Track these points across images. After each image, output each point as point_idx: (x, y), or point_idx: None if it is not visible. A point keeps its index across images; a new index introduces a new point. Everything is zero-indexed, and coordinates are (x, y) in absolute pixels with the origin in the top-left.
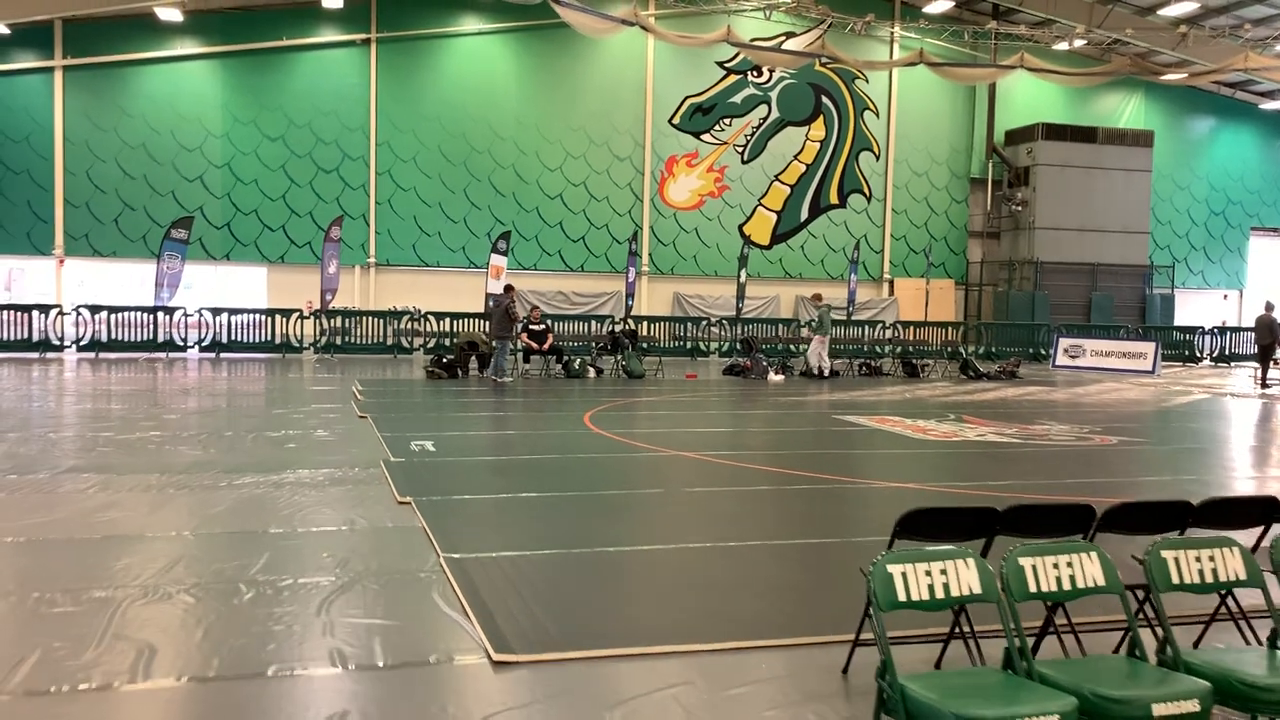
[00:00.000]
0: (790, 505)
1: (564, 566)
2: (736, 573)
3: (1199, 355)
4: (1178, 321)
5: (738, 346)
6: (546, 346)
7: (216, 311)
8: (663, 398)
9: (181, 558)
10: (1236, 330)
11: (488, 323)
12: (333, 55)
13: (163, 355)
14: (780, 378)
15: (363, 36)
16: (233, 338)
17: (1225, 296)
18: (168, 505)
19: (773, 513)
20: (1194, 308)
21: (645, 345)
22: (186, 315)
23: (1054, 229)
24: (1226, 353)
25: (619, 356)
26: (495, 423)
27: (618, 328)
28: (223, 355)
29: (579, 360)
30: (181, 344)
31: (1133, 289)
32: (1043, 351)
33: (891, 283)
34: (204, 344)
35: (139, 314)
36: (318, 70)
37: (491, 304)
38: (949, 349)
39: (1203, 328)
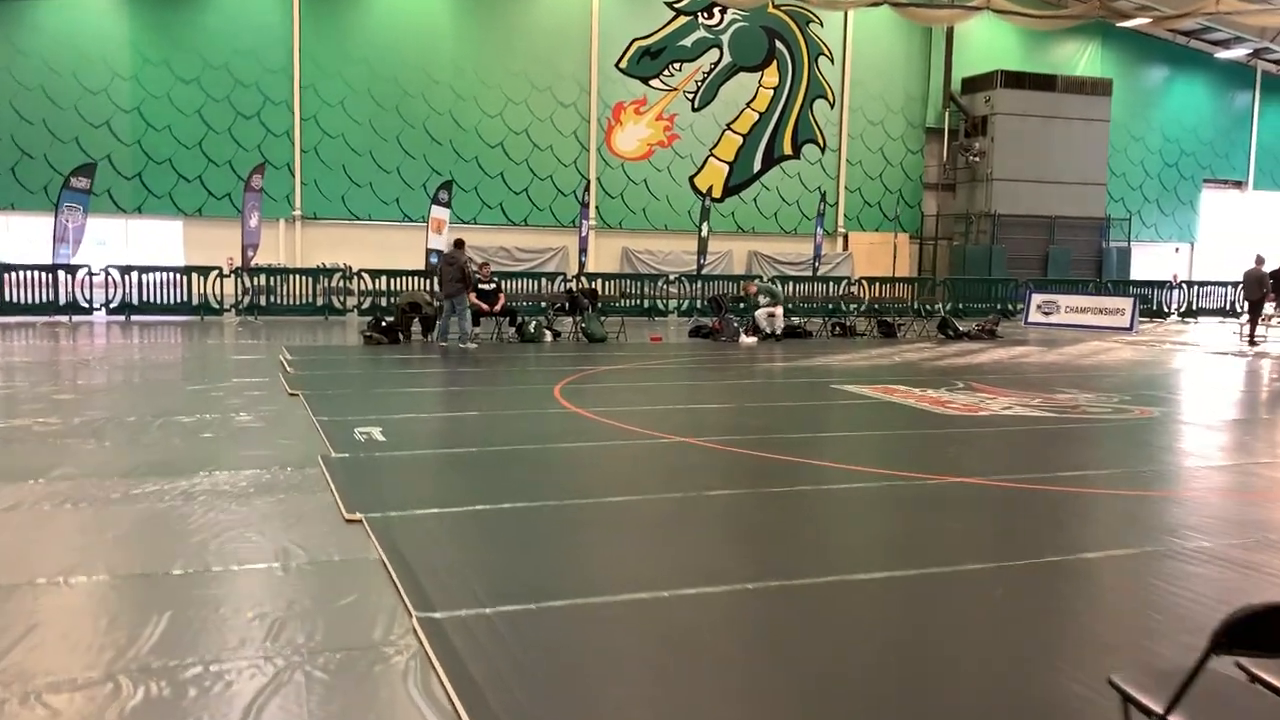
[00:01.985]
0: (856, 516)
1: (593, 629)
2: (842, 630)
3: (1166, 310)
4: (1131, 275)
5: (699, 306)
6: (498, 307)
7: (125, 270)
8: (634, 365)
9: (39, 624)
10: (1203, 284)
11: (436, 281)
12: None
13: (65, 319)
14: (753, 340)
15: None
16: (144, 298)
17: (1177, 249)
18: (39, 531)
19: (838, 527)
20: (1146, 261)
21: (604, 306)
22: (91, 274)
23: (1011, 180)
24: (1193, 307)
25: (578, 318)
26: (451, 400)
27: (571, 285)
28: (133, 318)
29: (534, 323)
30: (86, 306)
31: (1089, 242)
32: (1010, 307)
33: (846, 236)
34: (112, 306)
35: (36, 273)
36: (235, 5)
37: (444, 261)
38: (926, 307)
39: (1169, 282)
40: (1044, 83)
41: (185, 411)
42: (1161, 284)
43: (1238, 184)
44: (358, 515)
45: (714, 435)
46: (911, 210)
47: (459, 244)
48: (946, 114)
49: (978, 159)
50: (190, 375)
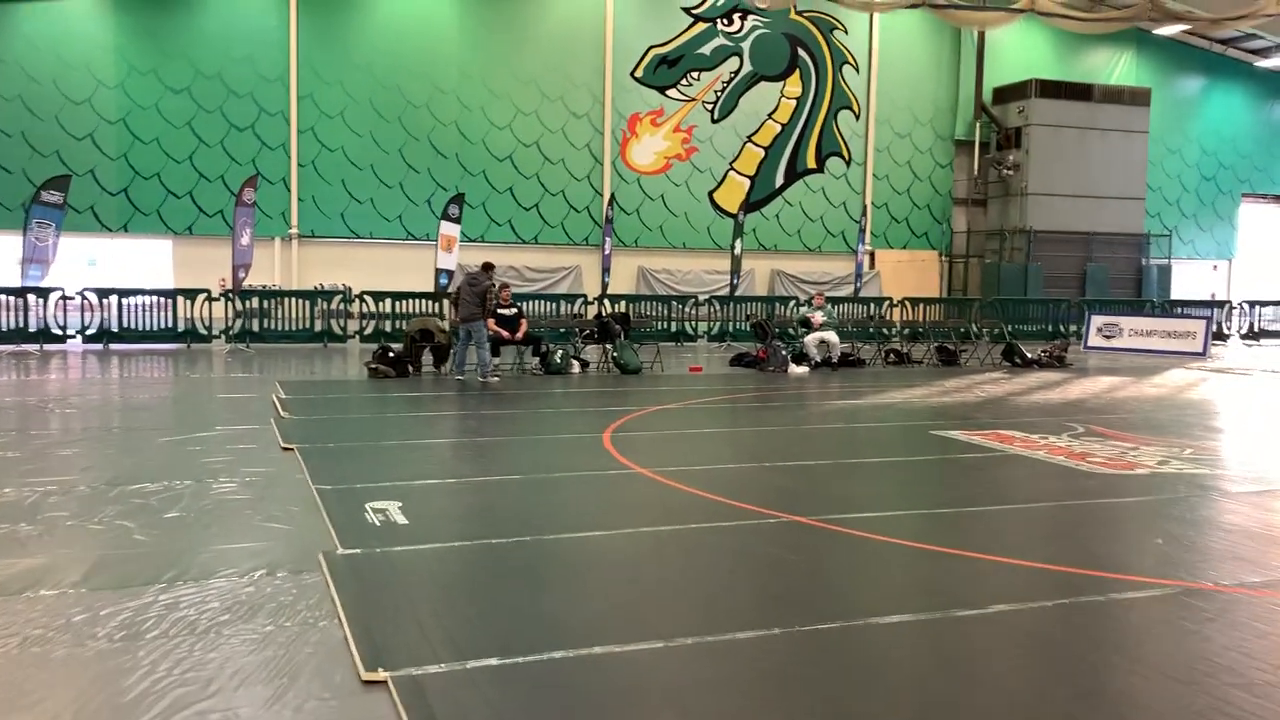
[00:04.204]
0: (1137, 658)
1: None
2: None
3: (1226, 332)
4: (1171, 294)
5: (732, 330)
6: (521, 335)
7: (104, 293)
8: (683, 403)
9: None
10: (1263, 304)
11: (452, 305)
12: None
13: (34, 347)
14: (803, 369)
15: None
16: (125, 324)
17: (1215, 267)
18: None
19: (1130, 686)
20: (1184, 279)
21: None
22: (66, 297)
23: (1047, 195)
24: (1254, 329)
25: (609, 346)
26: (482, 456)
27: (592, 309)
28: (112, 346)
29: (560, 352)
30: (60, 332)
31: (1128, 260)
32: (1062, 329)
33: (872, 254)
34: (88, 332)
35: (4, 297)
36: (228, 11)
37: (465, 282)
38: (991, 331)
39: (1230, 302)
40: (1080, 92)
41: (152, 475)
42: (1221, 304)
43: (1278, 198)
44: (381, 674)
45: (826, 510)
46: (941, 226)
47: (487, 267)
48: (977, 125)
49: (1011, 172)
50: (166, 421)
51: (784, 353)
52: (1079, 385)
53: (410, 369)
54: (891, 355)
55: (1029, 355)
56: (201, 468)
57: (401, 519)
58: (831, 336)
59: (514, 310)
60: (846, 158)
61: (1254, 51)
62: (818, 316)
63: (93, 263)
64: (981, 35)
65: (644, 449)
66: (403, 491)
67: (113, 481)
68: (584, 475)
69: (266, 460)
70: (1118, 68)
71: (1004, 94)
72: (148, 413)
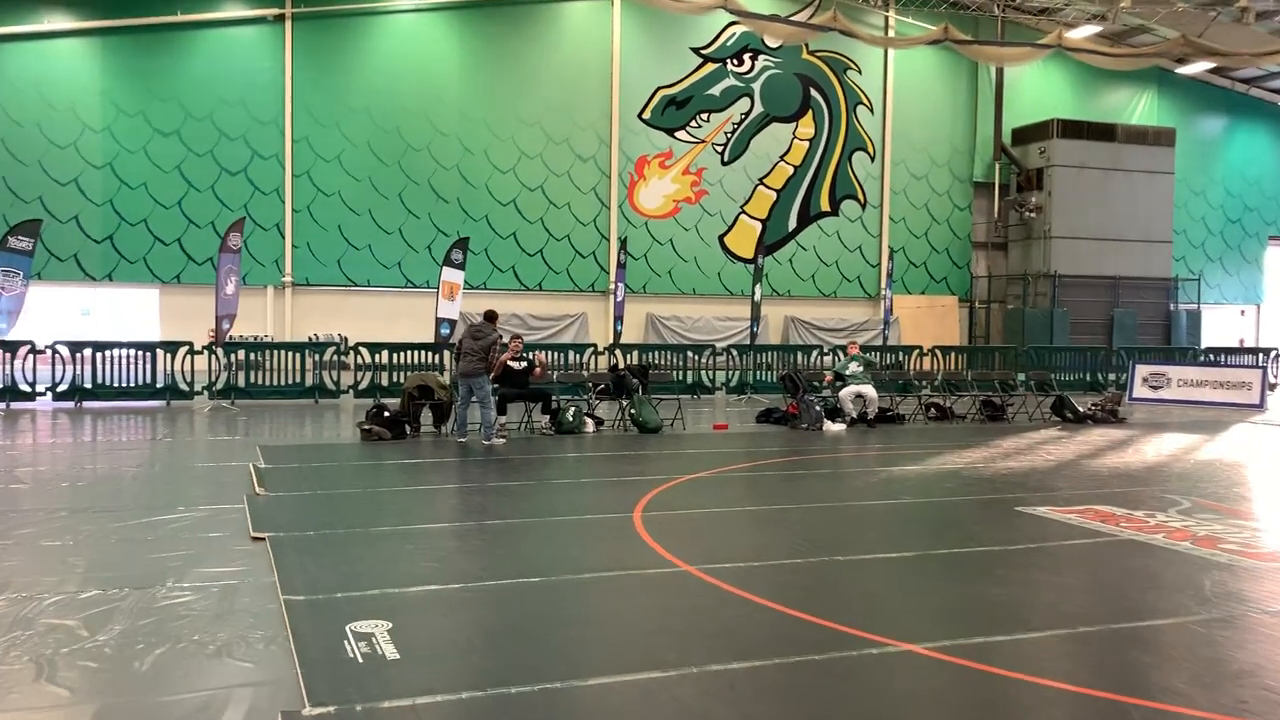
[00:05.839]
0: None
1: None
2: None
3: (1272, 380)
4: (1201, 341)
5: (752, 382)
6: (538, 373)
7: (76, 346)
8: (717, 470)
9: None
10: None
11: (455, 358)
12: (239, 34)
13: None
14: (840, 427)
15: (275, 12)
16: (100, 380)
17: (1243, 312)
18: None
19: None
20: (1210, 325)
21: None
22: (35, 351)
23: (1071, 238)
24: None
25: (625, 402)
26: (491, 547)
27: (603, 360)
28: (85, 404)
29: (572, 409)
30: (29, 390)
31: (1156, 305)
32: (1100, 378)
33: (890, 300)
34: (59, 389)
35: None
36: (221, 51)
37: (468, 334)
38: (1035, 382)
39: (1275, 349)
40: (1103, 132)
41: (87, 579)
42: (1267, 351)
43: None
44: None
45: (942, 631)
46: (960, 271)
47: (490, 316)
48: (997, 167)
49: (1033, 214)
50: (122, 500)
51: (817, 408)
52: (1150, 445)
53: (407, 430)
54: (933, 410)
55: (1081, 410)
56: (150, 567)
57: (391, 650)
58: (869, 390)
59: (525, 364)
60: (862, 200)
61: (1278, 91)
62: (853, 368)
63: (86, 313)
64: (1000, 75)
65: (684, 534)
66: (394, 604)
67: (34, 590)
68: (619, 575)
69: (231, 555)
70: (1138, 108)
71: (1024, 134)
72: (105, 488)
